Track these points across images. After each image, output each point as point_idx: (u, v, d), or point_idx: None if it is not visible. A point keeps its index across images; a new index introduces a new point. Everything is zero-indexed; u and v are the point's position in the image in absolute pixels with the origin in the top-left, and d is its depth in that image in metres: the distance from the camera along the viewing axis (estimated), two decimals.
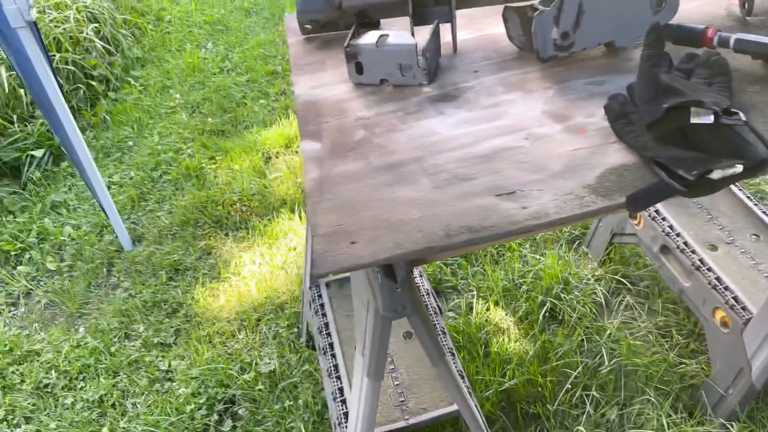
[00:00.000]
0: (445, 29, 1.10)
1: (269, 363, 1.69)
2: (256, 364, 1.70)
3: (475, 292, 1.82)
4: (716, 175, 0.74)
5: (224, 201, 2.33)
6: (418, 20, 1.09)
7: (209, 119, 2.85)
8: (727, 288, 1.44)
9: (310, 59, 1.17)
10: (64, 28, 2.92)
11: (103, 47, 3.13)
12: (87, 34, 2.99)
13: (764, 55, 0.92)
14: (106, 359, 1.82)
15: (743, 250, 1.56)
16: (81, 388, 1.76)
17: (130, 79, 3.20)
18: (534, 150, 0.87)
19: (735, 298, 1.41)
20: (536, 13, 0.96)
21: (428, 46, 1.01)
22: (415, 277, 1.62)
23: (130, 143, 2.76)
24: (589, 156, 0.84)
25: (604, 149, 0.85)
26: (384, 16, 1.14)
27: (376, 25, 1.18)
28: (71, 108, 2.81)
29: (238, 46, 3.50)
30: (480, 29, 1.16)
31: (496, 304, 1.77)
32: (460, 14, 1.13)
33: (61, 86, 2.62)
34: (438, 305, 1.81)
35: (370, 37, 1.03)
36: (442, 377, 1.02)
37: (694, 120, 0.77)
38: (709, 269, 1.49)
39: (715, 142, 0.78)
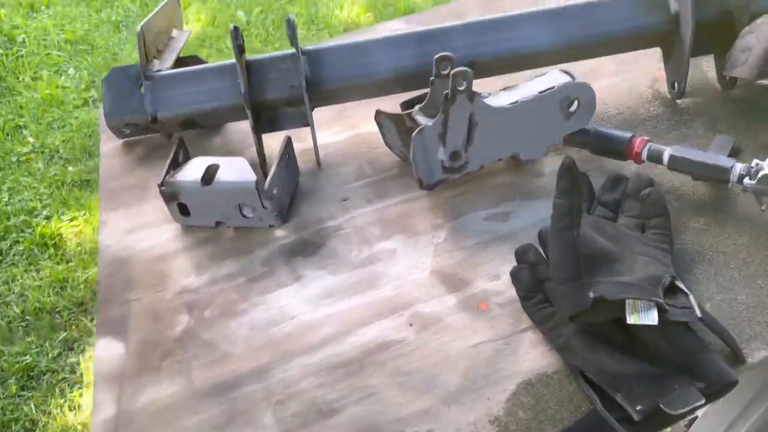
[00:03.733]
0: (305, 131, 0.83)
1: None
2: None
3: None
4: (671, 410, 0.52)
5: (88, 277, 1.97)
6: (266, 127, 0.82)
7: (70, 167, 2.44)
8: None
9: (128, 180, 0.86)
10: None
11: None
12: None
13: (706, 177, 0.72)
14: None
15: None
16: None
17: None
18: (421, 347, 0.62)
19: None
20: (415, 134, 0.71)
21: (276, 179, 0.74)
22: None
23: None
24: (496, 357, 0.61)
25: (514, 344, 0.61)
26: (219, 122, 0.87)
27: (217, 128, 0.90)
28: None
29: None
30: (351, 126, 0.90)
31: None
32: (326, 107, 0.87)
33: None
34: None
35: (194, 169, 0.74)
36: None
37: (631, 321, 0.55)
38: None
39: (660, 343, 0.56)
